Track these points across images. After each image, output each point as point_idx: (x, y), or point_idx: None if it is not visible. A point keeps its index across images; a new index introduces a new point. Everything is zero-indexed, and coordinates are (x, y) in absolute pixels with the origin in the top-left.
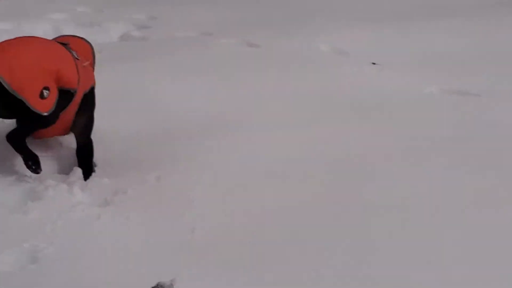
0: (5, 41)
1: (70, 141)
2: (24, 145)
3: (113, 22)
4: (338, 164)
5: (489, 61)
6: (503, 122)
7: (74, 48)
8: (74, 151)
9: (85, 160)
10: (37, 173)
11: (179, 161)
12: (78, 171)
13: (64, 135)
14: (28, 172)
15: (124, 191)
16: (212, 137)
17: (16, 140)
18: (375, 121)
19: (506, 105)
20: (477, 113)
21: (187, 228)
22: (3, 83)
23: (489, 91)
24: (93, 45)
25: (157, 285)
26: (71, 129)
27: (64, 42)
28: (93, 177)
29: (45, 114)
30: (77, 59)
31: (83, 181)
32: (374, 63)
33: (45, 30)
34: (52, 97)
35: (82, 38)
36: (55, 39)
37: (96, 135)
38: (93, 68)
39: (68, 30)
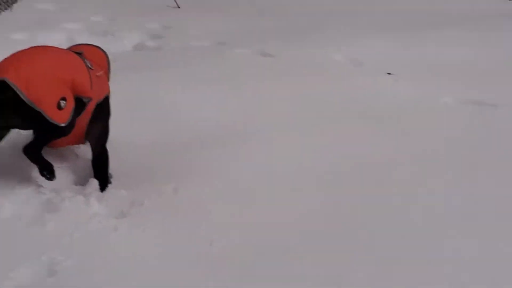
0: (20, 51)
1: (86, 152)
2: (40, 155)
3: (127, 32)
4: (352, 173)
5: (504, 71)
6: None
7: (89, 57)
8: (90, 162)
9: (100, 170)
10: (51, 180)
11: (194, 172)
12: (95, 182)
13: (78, 144)
14: (45, 184)
15: (140, 202)
16: (227, 147)
17: (33, 152)
18: (391, 130)
19: None
20: (493, 122)
21: (204, 241)
22: (21, 95)
23: (505, 101)
24: (108, 54)
25: None
26: (86, 138)
27: (78, 51)
28: (110, 188)
29: (63, 125)
30: (91, 68)
31: (100, 192)
32: (389, 73)
33: (59, 39)
34: (69, 107)
35: (96, 46)
36: (70, 47)
37: (111, 145)
38: (108, 77)
39: (82, 39)
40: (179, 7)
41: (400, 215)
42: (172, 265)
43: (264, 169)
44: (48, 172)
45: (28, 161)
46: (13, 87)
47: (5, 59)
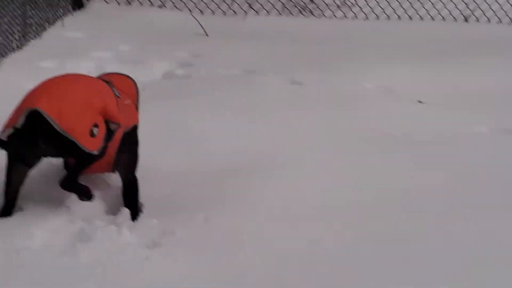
0: (50, 80)
1: (116, 180)
2: (77, 185)
3: (156, 60)
4: (386, 202)
5: None
6: None
7: (117, 85)
8: (121, 191)
9: (131, 199)
10: (90, 200)
11: (226, 201)
12: (126, 212)
13: (106, 172)
14: (77, 213)
15: (172, 232)
16: (258, 176)
17: (70, 185)
18: (424, 160)
19: None
20: None
21: (238, 272)
22: (54, 125)
23: None
24: (136, 83)
25: None
26: (114, 167)
27: (106, 79)
28: (141, 217)
29: (96, 152)
30: (118, 97)
31: (131, 221)
32: (420, 101)
33: (88, 68)
34: (101, 134)
35: (125, 75)
36: (99, 76)
37: (141, 174)
38: (137, 106)
39: (111, 68)
40: (207, 35)
41: (434, 244)
42: None
43: (295, 198)
44: (86, 196)
45: (59, 190)
46: (46, 117)
47: (36, 88)
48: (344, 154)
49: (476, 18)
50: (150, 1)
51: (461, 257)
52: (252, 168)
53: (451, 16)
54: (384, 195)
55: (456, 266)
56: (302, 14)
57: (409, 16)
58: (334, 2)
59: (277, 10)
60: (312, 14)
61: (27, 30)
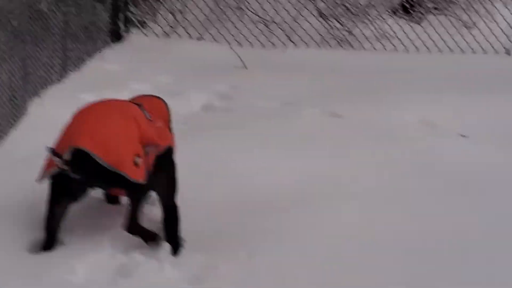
0: (86, 110)
1: (158, 215)
2: (141, 228)
3: (195, 92)
4: (429, 241)
5: None
6: None
7: (148, 107)
8: (162, 225)
9: (171, 228)
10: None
11: (268, 236)
12: (167, 246)
13: None
14: (118, 248)
15: (215, 267)
16: (299, 210)
17: (136, 228)
18: (468, 197)
19: None
20: None
21: None
22: (100, 162)
23: None
24: (176, 113)
25: None
26: (152, 190)
27: (138, 102)
28: (183, 252)
29: (142, 182)
30: (150, 119)
31: (173, 256)
32: (463, 135)
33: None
34: (143, 162)
35: (155, 96)
36: (130, 99)
37: (182, 208)
38: (170, 126)
39: None
40: (246, 68)
41: None
42: None
43: (340, 233)
44: (153, 239)
45: (101, 224)
46: (92, 155)
47: (75, 120)
48: (387, 189)
49: None
50: (188, 33)
51: None
52: (293, 203)
53: (493, 48)
54: (428, 232)
55: None
56: (341, 46)
57: (450, 49)
58: (374, 34)
59: (316, 42)
60: (351, 46)
61: (67, 63)
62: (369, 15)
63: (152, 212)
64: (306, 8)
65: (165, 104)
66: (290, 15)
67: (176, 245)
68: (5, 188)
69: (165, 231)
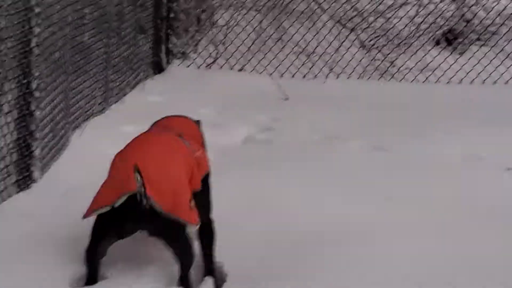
0: (135, 150)
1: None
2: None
3: (236, 124)
4: (481, 277)
5: None
6: None
7: (183, 130)
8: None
9: (208, 245)
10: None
11: (315, 273)
12: (210, 281)
13: None
14: (160, 281)
15: None
16: (346, 247)
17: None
18: None
19: None
20: None
21: None
22: (157, 208)
23: None
24: (217, 145)
25: None
26: None
27: (179, 132)
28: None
29: (198, 225)
30: (190, 149)
31: None
32: (510, 169)
33: None
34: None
35: (187, 117)
36: (162, 119)
37: (225, 243)
38: (204, 145)
39: None
40: (287, 99)
41: None
42: None
43: (388, 270)
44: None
45: (143, 257)
46: (153, 204)
47: (127, 160)
48: (434, 224)
49: None
50: (229, 64)
51: None
52: (339, 238)
53: None
54: (478, 268)
55: None
56: (383, 77)
57: (494, 80)
58: (416, 65)
59: (358, 73)
60: (393, 77)
61: (108, 94)
62: (411, 46)
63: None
64: (347, 38)
65: (198, 124)
66: (332, 46)
67: (210, 264)
68: (48, 221)
69: (202, 248)
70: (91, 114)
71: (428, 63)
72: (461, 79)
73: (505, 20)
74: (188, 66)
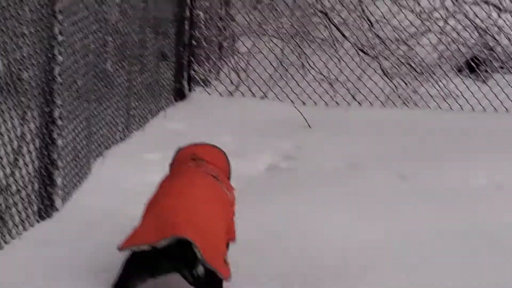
0: (176, 191)
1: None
2: None
3: (259, 152)
4: None
5: None
6: None
7: (211, 160)
8: None
9: None
10: None
11: None
12: None
13: None
14: None
15: None
16: (370, 275)
17: None
18: None
19: None
20: None
21: None
22: (198, 255)
23: None
24: (240, 174)
25: None
26: None
27: (214, 174)
28: None
29: (228, 280)
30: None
31: None
32: None
33: None
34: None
35: (215, 147)
36: (188, 148)
37: (248, 270)
38: (229, 177)
39: None
40: (310, 127)
41: None
42: None
43: None
44: None
45: None
46: (195, 249)
47: (169, 203)
48: (458, 255)
49: None
50: (252, 92)
51: None
52: (364, 269)
53: None
54: None
55: None
56: (406, 105)
57: None
58: (439, 93)
59: (381, 101)
60: (416, 105)
61: (130, 122)
62: (434, 74)
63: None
64: (370, 66)
65: (226, 156)
66: (355, 74)
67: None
68: (70, 250)
69: None
70: (113, 141)
71: (451, 91)
72: (485, 107)
73: None
74: (210, 94)
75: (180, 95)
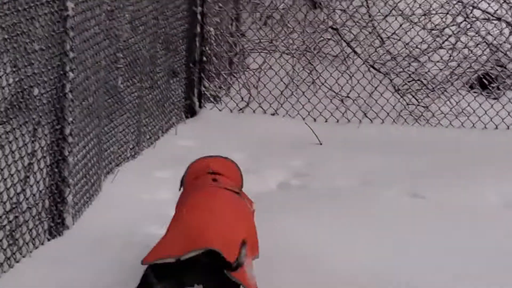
0: (200, 210)
1: None
2: None
3: (270, 170)
4: None
5: None
6: None
7: (225, 173)
8: None
9: None
10: None
11: None
12: None
13: None
14: None
15: None
16: None
17: None
18: None
19: None
20: None
21: None
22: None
23: None
24: (251, 191)
25: None
26: None
27: (236, 190)
28: None
29: None
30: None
31: None
32: None
33: None
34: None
35: (228, 159)
36: (201, 161)
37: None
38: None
39: None
40: (321, 144)
41: None
42: None
43: None
44: None
45: None
46: (224, 261)
47: (197, 219)
48: (475, 275)
49: None
50: (262, 108)
51: None
52: (375, 285)
53: None
54: None
55: None
56: (418, 122)
57: None
58: (451, 110)
59: (392, 118)
60: (428, 122)
61: (141, 139)
62: (446, 91)
63: None
64: (381, 83)
65: (239, 169)
66: (366, 90)
67: None
68: (81, 269)
69: None
70: (124, 159)
71: (463, 108)
72: (497, 125)
73: None
74: (221, 110)
75: (190, 112)
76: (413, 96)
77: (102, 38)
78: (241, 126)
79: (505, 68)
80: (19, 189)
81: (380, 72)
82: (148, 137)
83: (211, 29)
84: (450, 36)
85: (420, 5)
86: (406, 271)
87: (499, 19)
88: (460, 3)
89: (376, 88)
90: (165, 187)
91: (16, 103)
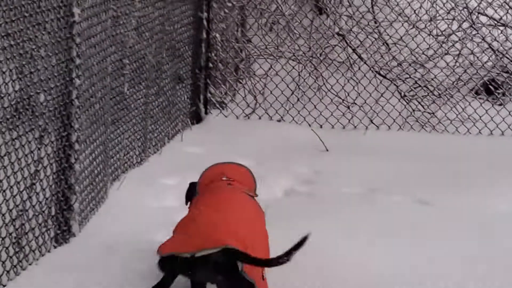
0: (218, 209)
1: None
2: None
3: (276, 176)
4: None
5: None
6: None
7: (238, 179)
8: None
9: None
10: None
11: None
12: None
13: None
14: None
15: None
16: None
17: None
18: None
19: None
20: None
21: None
22: (240, 266)
23: None
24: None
25: None
26: None
27: (250, 193)
28: None
29: None
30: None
31: None
32: None
33: None
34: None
35: (241, 165)
36: (217, 167)
37: None
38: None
39: None
40: (327, 150)
41: None
42: None
43: None
44: None
45: None
46: (240, 259)
47: (214, 218)
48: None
49: None
50: (268, 114)
51: None
52: None
53: None
54: None
55: None
56: (424, 129)
57: None
58: (457, 117)
59: (398, 124)
60: (434, 129)
61: (147, 145)
62: (452, 97)
63: None
64: (388, 89)
65: (252, 175)
66: (372, 97)
67: None
68: (87, 276)
69: None
70: (130, 165)
71: (470, 115)
72: (503, 131)
73: None
74: (227, 116)
75: (196, 118)
76: (419, 103)
77: (108, 44)
78: (246, 133)
79: (511, 74)
80: (25, 196)
81: (386, 78)
82: (154, 143)
83: (217, 35)
84: (456, 42)
85: (426, 11)
86: (415, 278)
87: (505, 25)
88: (466, 9)
89: (382, 94)
90: (171, 194)
91: (22, 110)
